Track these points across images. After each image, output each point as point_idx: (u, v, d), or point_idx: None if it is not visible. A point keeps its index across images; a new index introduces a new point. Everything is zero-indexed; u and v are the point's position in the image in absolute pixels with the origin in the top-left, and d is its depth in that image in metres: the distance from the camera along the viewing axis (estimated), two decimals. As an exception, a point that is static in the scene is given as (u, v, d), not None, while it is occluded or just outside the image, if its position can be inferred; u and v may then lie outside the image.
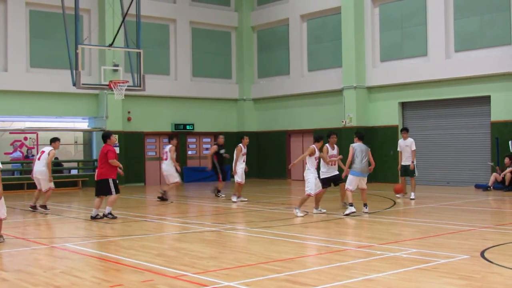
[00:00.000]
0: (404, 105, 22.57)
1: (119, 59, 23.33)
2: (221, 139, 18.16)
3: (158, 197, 17.24)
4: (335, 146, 13.83)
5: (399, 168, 16.94)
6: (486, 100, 20.02)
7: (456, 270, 7.19)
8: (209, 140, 27.65)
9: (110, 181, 12.79)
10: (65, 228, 12.48)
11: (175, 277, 7.12)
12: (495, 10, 19.78)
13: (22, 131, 24.42)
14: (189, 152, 27.08)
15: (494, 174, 18.65)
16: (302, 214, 12.78)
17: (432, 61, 21.22)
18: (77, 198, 19.13)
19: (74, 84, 17.98)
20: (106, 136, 13.17)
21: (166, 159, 17.23)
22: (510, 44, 19.36)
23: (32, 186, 21.83)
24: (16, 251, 9.25)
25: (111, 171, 12.81)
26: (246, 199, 16.47)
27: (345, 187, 13.23)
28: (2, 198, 9.55)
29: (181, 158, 26.36)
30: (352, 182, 13.09)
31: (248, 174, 18.09)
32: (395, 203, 15.47)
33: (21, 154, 24.32)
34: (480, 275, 6.96)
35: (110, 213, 12.77)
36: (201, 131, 27.00)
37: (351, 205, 12.83)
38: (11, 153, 24.07)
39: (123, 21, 19.14)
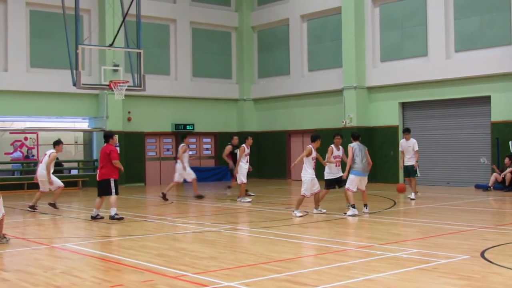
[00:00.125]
0: (404, 105, 22.57)
1: (119, 59, 23.33)
2: (235, 140, 18.12)
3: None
4: (340, 147, 13.76)
5: (401, 167, 16.94)
6: (486, 100, 20.02)
7: (456, 270, 7.19)
8: (209, 140, 27.67)
9: (112, 181, 12.72)
10: (65, 228, 12.49)
11: (175, 277, 7.12)
12: (495, 10, 19.78)
13: (22, 131, 24.42)
14: (190, 152, 26.98)
15: (494, 174, 18.65)
16: (301, 214, 12.78)
17: (432, 61, 21.23)
18: (77, 198, 19.12)
19: (74, 84, 17.98)
20: (108, 136, 13.05)
21: (179, 158, 17.60)
22: (510, 44, 19.36)
23: (32, 186, 21.98)
24: (16, 251, 9.26)
25: (113, 171, 12.74)
26: (249, 200, 16.43)
27: (346, 188, 13.18)
28: (0, 198, 9.52)
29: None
30: (353, 182, 13.04)
31: (248, 174, 18.08)
32: (395, 203, 15.47)
33: (21, 154, 24.32)
34: (480, 275, 6.96)
35: (116, 214, 12.64)
36: (201, 131, 27.00)
37: (353, 206, 12.82)
38: (11, 153, 24.07)
39: (123, 21, 19.13)
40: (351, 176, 13.09)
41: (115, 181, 12.78)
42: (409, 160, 16.32)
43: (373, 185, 21.63)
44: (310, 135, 14.02)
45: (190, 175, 17.68)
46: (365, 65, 23.21)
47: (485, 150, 20.09)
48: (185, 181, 18.14)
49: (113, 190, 12.70)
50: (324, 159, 13.58)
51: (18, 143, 24.39)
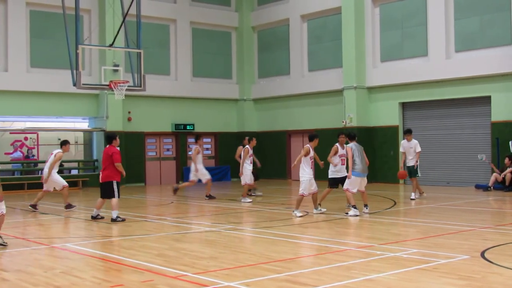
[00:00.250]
0: (404, 105, 22.57)
1: (120, 59, 23.33)
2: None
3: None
4: (345, 145, 13.76)
5: (401, 168, 16.93)
6: (486, 100, 20.02)
7: (456, 270, 7.19)
8: (209, 140, 27.66)
9: (115, 183, 12.59)
10: (65, 228, 12.49)
11: (175, 277, 7.12)
12: (495, 10, 19.78)
13: (22, 131, 24.43)
14: (190, 153, 27.03)
15: (495, 174, 18.64)
16: (301, 214, 12.78)
17: (433, 61, 21.22)
18: (77, 198, 19.11)
19: (74, 84, 17.97)
20: (111, 137, 12.90)
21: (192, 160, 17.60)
22: (510, 44, 19.36)
23: (32, 186, 22.02)
24: (16, 251, 9.26)
25: (116, 173, 12.59)
26: (250, 200, 16.43)
27: (345, 189, 13.11)
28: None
29: (181, 158, 26.40)
30: (353, 183, 13.02)
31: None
32: (395, 203, 15.47)
33: (21, 154, 24.33)
34: (480, 275, 6.96)
35: (118, 217, 12.53)
36: (201, 131, 26.97)
37: (354, 207, 12.81)
38: (11, 153, 24.08)
39: (123, 21, 19.13)
40: (351, 177, 13.05)
41: (117, 183, 12.66)
42: (410, 161, 16.30)
43: (373, 185, 21.63)
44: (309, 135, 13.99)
45: (205, 176, 17.67)
46: (365, 65, 23.21)
47: (485, 150, 20.08)
48: (199, 181, 18.08)
49: (116, 193, 12.59)
50: (321, 159, 13.60)
51: (18, 143, 24.41)
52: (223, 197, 18.13)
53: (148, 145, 25.84)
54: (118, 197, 12.71)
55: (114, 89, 18.28)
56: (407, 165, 16.36)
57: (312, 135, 13.40)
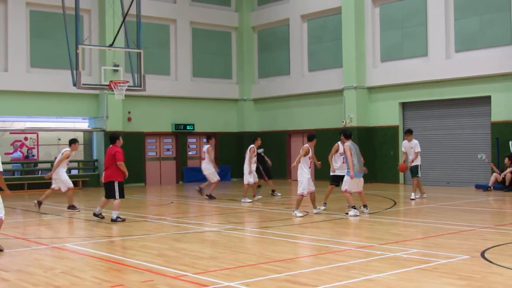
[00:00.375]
0: (404, 105, 22.57)
1: (120, 59, 23.33)
2: (258, 141, 18.09)
3: (206, 195, 17.53)
4: (342, 145, 13.76)
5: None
6: (486, 100, 20.02)
7: (456, 270, 7.19)
8: (209, 140, 27.61)
9: (116, 184, 12.50)
10: (65, 228, 12.49)
11: (175, 277, 7.12)
12: (495, 10, 19.78)
13: (22, 131, 24.42)
14: (190, 153, 27.07)
15: (495, 174, 18.64)
16: (301, 215, 12.78)
17: (433, 61, 21.22)
18: (77, 198, 19.09)
19: (74, 84, 17.98)
20: (115, 137, 12.80)
21: (204, 159, 17.60)
22: (510, 44, 19.36)
23: (32, 186, 22.03)
24: (16, 251, 9.25)
25: (118, 173, 12.50)
26: (250, 200, 16.42)
27: (343, 190, 13.06)
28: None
29: (181, 158, 26.40)
30: (351, 184, 13.00)
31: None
32: (395, 203, 15.47)
33: (21, 154, 24.32)
34: (480, 275, 6.96)
35: (118, 218, 12.49)
36: (201, 131, 26.99)
37: (353, 207, 12.81)
38: (11, 153, 24.07)
39: (123, 21, 19.13)
40: (347, 178, 13.01)
41: (119, 183, 12.54)
42: (414, 161, 16.32)
43: (373, 185, 21.64)
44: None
45: (214, 177, 17.63)
46: (365, 65, 23.21)
47: (485, 150, 20.08)
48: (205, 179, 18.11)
49: (117, 193, 12.48)
50: (321, 158, 13.62)
51: (18, 143, 24.39)
52: (223, 197, 18.12)
53: (148, 145, 25.84)
54: (122, 197, 12.63)
55: (114, 89, 18.28)
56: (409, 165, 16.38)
57: (311, 135, 13.44)
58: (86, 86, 19.51)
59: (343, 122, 23.05)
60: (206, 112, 27.04)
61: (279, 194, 18.03)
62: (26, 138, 24.56)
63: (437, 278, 6.85)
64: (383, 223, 11.78)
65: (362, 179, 13.25)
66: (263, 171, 17.91)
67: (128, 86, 18.60)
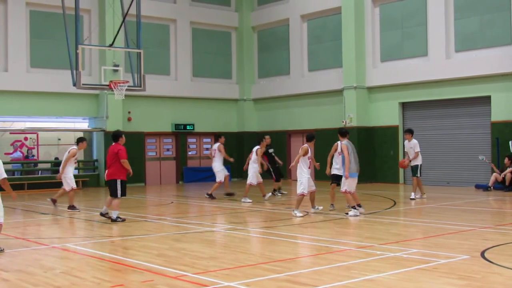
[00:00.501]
0: (404, 105, 22.57)
1: (119, 59, 23.33)
2: (268, 139, 18.06)
3: (207, 194, 17.55)
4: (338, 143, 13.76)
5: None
6: (486, 100, 20.01)
7: (456, 270, 7.19)
8: (209, 140, 27.66)
9: (118, 182, 12.45)
10: (65, 228, 12.49)
11: (175, 277, 7.12)
12: (495, 10, 19.78)
13: (22, 131, 24.43)
14: (189, 153, 27.07)
15: (495, 174, 18.64)
16: (301, 215, 12.78)
17: (433, 61, 21.22)
18: (77, 198, 19.07)
19: (74, 84, 17.98)
20: (117, 135, 12.76)
21: (214, 156, 17.58)
22: (510, 44, 19.35)
23: (32, 186, 22.05)
24: (16, 251, 9.25)
25: (120, 171, 12.45)
26: (250, 201, 16.42)
27: (343, 190, 12.99)
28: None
29: (181, 158, 26.40)
30: (351, 183, 12.97)
31: (247, 174, 18.09)
32: (395, 203, 15.47)
33: (21, 154, 24.33)
34: (480, 275, 6.96)
35: (118, 218, 12.49)
36: (201, 131, 27.00)
37: (354, 207, 12.80)
38: (11, 153, 24.08)
39: (123, 21, 19.14)
40: (344, 179, 12.95)
41: (122, 182, 12.49)
42: (413, 161, 16.34)
43: (373, 185, 21.66)
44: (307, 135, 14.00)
45: (220, 177, 17.59)
46: (365, 65, 23.20)
47: (485, 150, 20.09)
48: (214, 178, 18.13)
49: (119, 192, 12.45)
50: (321, 158, 13.61)
51: (18, 143, 24.41)
52: (223, 197, 18.12)
53: (148, 145, 25.84)
54: (124, 195, 12.62)
55: (114, 89, 18.29)
56: (411, 164, 16.41)
57: (310, 135, 13.46)
58: (86, 86, 19.51)
59: (343, 122, 23.04)
60: (206, 112, 27.04)
61: (279, 194, 18.03)
62: (26, 138, 24.57)
63: (437, 278, 6.85)
64: (383, 223, 11.78)
65: (356, 179, 13.15)
66: (273, 171, 17.90)
67: (128, 86, 18.60)
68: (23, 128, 24.48)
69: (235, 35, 28.15)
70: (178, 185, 25.04)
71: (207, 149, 27.61)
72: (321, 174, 14.32)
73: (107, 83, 18.79)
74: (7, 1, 22.26)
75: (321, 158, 14.34)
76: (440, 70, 20.85)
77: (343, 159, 12.96)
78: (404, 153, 17.02)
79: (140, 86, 18.97)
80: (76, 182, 22.74)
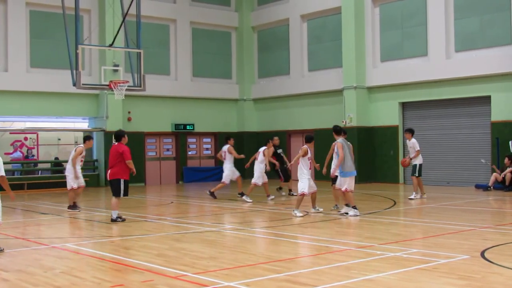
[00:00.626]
0: (404, 105, 22.57)
1: (119, 59, 23.33)
2: (276, 140, 18.04)
3: (209, 191, 17.57)
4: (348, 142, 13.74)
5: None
6: (486, 100, 20.01)
7: (456, 270, 7.19)
8: (209, 140, 27.67)
9: (122, 181, 12.49)
10: (65, 228, 12.49)
11: (175, 277, 7.12)
12: (495, 10, 19.78)
13: (22, 131, 24.43)
14: (189, 153, 27.07)
15: (495, 174, 18.64)
16: (301, 214, 12.78)
17: (432, 61, 21.22)
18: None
19: (74, 84, 17.99)
20: (120, 135, 12.79)
21: (225, 158, 17.53)
22: (510, 44, 19.35)
23: (32, 186, 22.04)
24: (16, 251, 9.25)
25: (124, 171, 12.50)
26: (250, 200, 16.43)
27: (345, 190, 12.89)
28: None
29: (181, 158, 26.40)
30: (351, 183, 12.95)
31: (248, 174, 18.12)
32: (395, 203, 15.47)
33: (21, 154, 24.33)
34: (480, 275, 6.96)
35: (118, 218, 12.49)
36: (201, 131, 27.00)
37: (354, 207, 12.80)
38: (11, 153, 24.08)
39: (123, 21, 19.14)
40: (345, 178, 12.87)
41: (125, 182, 12.53)
42: (412, 159, 16.38)
43: (373, 185, 21.66)
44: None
45: (226, 179, 17.55)
46: (365, 65, 23.20)
47: (485, 150, 20.09)
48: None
49: (122, 191, 12.48)
50: (320, 158, 13.61)
51: (18, 143, 24.41)
52: (223, 197, 18.12)
53: (148, 145, 25.84)
54: (126, 195, 12.65)
55: (114, 89, 18.29)
56: (411, 163, 16.47)
57: (309, 137, 13.43)
58: (86, 86, 19.52)
59: (343, 122, 23.04)
60: (206, 112, 27.05)
61: (284, 193, 18.03)
62: (26, 138, 24.57)
63: (437, 278, 6.85)
64: (383, 223, 11.78)
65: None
66: (281, 172, 17.90)
67: (128, 86, 18.61)
68: (23, 128, 24.49)
69: (235, 35, 28.15)
70: (178, 185, 25.04)
71: (207, 149, 27.64)
72: (321, 175, 14.30)
73: (107, 83, 18.79)
74: (7, 1, 22.26)
75: (321, 158, 14.34)
76: (440, 70, 20.85)
77: (347, 157, 12.93)
78: (405, 153, 17.02)
79: (140, 86, 18.98)
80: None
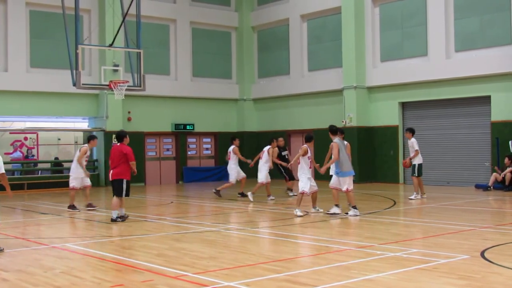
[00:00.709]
0: (404, 105, 22.57)
1: (119, 59, 23.33)
2: (281, 142, 18.03)
3: (215, 190, 17.72)
4: (344, 141, 13.74)
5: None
6: (486, 100, 20.01)
7: (456, 270, 7.19)
8: (209, 140, 27.67)
9: (125, 182, 12.58)
10: (65, 228, 12.49)
11: (175, 277, 7.12)
12: (495, 10, 19.78)
13: (22, 131, 24.43)
14: (189, 152, 27.07)
15: (494, 174, 18.63)
16: (301, 214, 12.79)
17: (432, 61, 21.22)
18: (77, 198, 19.03)
19: (74, 84, 17.98)
20: (122, 135, 12.85)
21: (229, 159, 17.65)
22: (510, 44, 19.35)
23: (32, 186, 22.03)
24: (16, 251, 9.26)
25: (127, 171, 12.60)
26: (252, 200, 16.47)
27: (345, 189, 12.91)
28: None
29: (181, 158, 26.40)
30: (350, 182, 12.94)
31: (248, 174, 18.12)
32: (395, 203, 15.47)
33: (21, 154, 24.33)
34: (480, 275, 6.96)
35: (118, 217, 12.50)
36: (201, 131, 27.00)
37: (354, 207, 12.80)
38: (11, 153, 24.09)
39: (123, 21, 19.14)
40: (345, 178, 12.89)
41: (127, 182, 12.65)
42: (412, 159, 16.39)
43: (373, 185, 21.67)
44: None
45: (232, 179, 17.65)
46: (365, 65, 23.20)
47: (485, 150, 20.10)
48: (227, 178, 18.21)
49: (124, 191, 12.56)
50: (320, 158, 13.60)
51: (18, 143, 24.41)
52: (223, 197, 18.12)
53: (148, 145, 25.84)
54: (128, 195, 12.73)
55: (114, 89, 18.29)
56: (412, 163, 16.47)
57: (309, 136, 13.40)
58: (86, 86, 19.51)
59: (343, 122, 23.05)
60: (206, 112, 27.05)
61: (291, 194, 18.05)
62: (26, 138, 24.58)
63: (437, 278, 6.85)
64: (383, 223, 11.78)
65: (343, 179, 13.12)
66: (285, 172, 17.91)
67: (128, 86, 18.60)
68: (23, 128, 24.49)
69: (235, 35, 28.15)
70: (178, 185, 25.04)
71: (207, 149, 27.64)
72: (321, 174, 14.28)
73: (107, 83, 18.79)
74: (7, 1, 22.26)
75: (321, 158, 14.31)
76: (440, 70, 20.85)
77: (344, 157, 12.92)
78: (405, 153, 17.05)
79: (140, 86, 18.97)
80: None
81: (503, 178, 18.34)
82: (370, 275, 6.98)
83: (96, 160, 24.48)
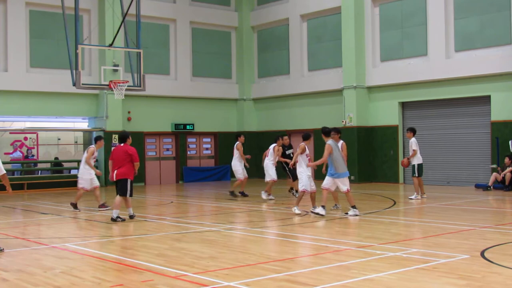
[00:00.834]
0: (404, 105, 22.57)
1: (119, 59, 23.33)
2: (286, 140, 18.05)
3: (232, 192, 17.75)
4: (341, 141, 13.75)
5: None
6: (486, 100, 20.02)
7: (456, 270, 7.19)
8: (209, 140, 27.67)
9: (129, 182, 12.75)
10: (65, 228, 12.49)
11: (175, 277, 7.12)
12: (495, 10, 19.78)
13: (22, 131, 24.42)
14: (189, 152, 27.07)
15: (494, 174, 18.64)
16: (299, 212, 12.80)
17: (432, 61, 21.22)
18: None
19: (74, 84, 17.98)
20: (125, 136, 12.99)
21: (234, 155, 17.78)
22: (510, 44, 19.35)
23: (32, 186, 22.04)
24: (16, 251, 9.26)
25: (131, 171, 12.79)
26: (273, 197, 16.58)
27: (345, 190, 12.92)
28: None
29: (181, 158, 26.40)
30: (347, 183, 12.93)
31: (248, 173, 18.12)
32: (395, 203, 15.47)
33: (21, 154, 24.33)
34: (480, 275, 6.96)
35: (118, 217, 12.53)
36: (201, 131, 27.00)
37: (353, 207, 12.79)
38: (11, 153, 24.08)
39: (123, 21, 19.13)
40: (343, 179, 12.83)
41: (131, 182, 12.83)
42: (411, 159, 16.40)
43: (373, 185, 21.66)
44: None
45: (239, 175, 17.68)
46: (365, 65, 23.20)
47: (485, 150, 20.10)
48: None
49: (129, 191, 12.72)
50: (319, 158, 13.59)
51: (18, 143, 24.40)
52: (223, 197, 18.12)
53: (148, 145, 25.84)
54: (131, 195, 12.86)
55: (113, 89, 18.29)
56: (412, 163, 16.44)
57: (306, 134, 13.40)
58: (86, 86, 19.51)
59: (342, 121, 23.05)
60: (206, 112, 27.05)
61: (296, 194, 18.05)
62: (26, 138, 24.57)
63: (437, 278, 6.86)
64: (383, 223, 11.78)
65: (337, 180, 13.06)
66: (289, 171, 17.91)
67: (128, 86, 18.60)
68: (23, 128, 24.48)
69: (235, 35, 28.15)
70: (178, 185, 25.05)
71: (207, 148, 27.64)
72: (321, 174, 14.29)
73: (107, 83, 18.79)
74: (7, 1, 22.26)
75: (320, 158, 14.29)
76: (440, 70, 20.85)
77: (338, 159, 12.89)
78: (405, 152, 17.04)
79: (140, 86, 18.97)
80: (76, 182, 22.92)
81: (503, 178, 18.34)
82: (370, 275, 6.98)
83: (97, 160, 24.46)
